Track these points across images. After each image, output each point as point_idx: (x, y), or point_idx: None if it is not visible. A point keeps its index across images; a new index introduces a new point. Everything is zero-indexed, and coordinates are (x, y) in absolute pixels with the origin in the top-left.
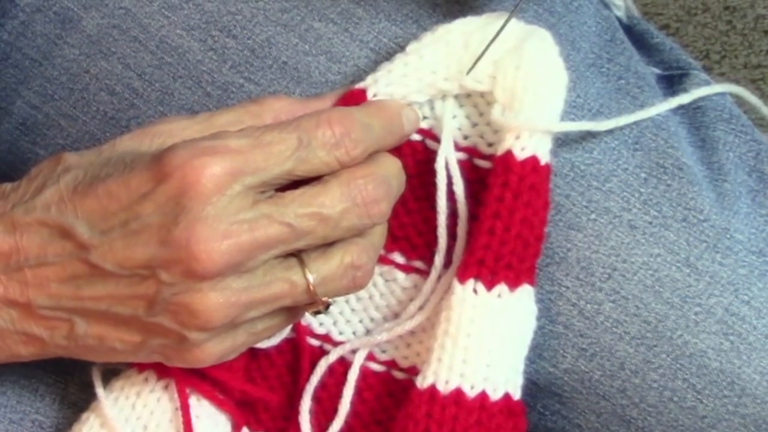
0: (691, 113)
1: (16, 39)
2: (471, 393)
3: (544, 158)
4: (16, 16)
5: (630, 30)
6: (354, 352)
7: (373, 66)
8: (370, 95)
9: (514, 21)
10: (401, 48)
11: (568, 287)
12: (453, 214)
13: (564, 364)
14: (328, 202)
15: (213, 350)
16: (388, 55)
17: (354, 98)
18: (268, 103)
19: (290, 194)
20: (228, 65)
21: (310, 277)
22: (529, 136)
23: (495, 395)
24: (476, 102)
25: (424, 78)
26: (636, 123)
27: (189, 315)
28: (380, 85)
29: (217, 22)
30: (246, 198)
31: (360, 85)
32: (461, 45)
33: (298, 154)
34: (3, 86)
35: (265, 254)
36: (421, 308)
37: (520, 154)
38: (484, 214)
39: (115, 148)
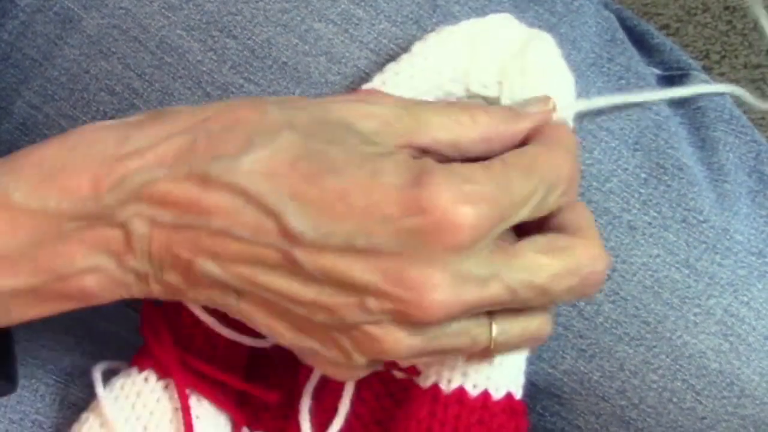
0: (691, 114)
1: (16, 39)
2: (473, 392)
3: None
4: (17, 17)
5: (630, 30)
6: None
7: (374, 67)
8: None
9: (515, 23)
10: (402, 49)
11: None
12: None
13: (563, 365)
14: (556, 277)
15: (360, 374)
16: (389, 57)
17: None
18: (478, 116)
19: (522, 251)
20: (228, 65)
21: (495, 336)
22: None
23: (497, 394)
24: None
25: (431, 79)
26: (636, 123)
27: (372, 347)
28: (389, 87)
29: (217, 23)
30: (486, 249)
31: (367, 87)
32: (466, 47)
33: (539, 204)
34: (3, 86)
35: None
36: None
37: None
38: None
39: (329, 114)
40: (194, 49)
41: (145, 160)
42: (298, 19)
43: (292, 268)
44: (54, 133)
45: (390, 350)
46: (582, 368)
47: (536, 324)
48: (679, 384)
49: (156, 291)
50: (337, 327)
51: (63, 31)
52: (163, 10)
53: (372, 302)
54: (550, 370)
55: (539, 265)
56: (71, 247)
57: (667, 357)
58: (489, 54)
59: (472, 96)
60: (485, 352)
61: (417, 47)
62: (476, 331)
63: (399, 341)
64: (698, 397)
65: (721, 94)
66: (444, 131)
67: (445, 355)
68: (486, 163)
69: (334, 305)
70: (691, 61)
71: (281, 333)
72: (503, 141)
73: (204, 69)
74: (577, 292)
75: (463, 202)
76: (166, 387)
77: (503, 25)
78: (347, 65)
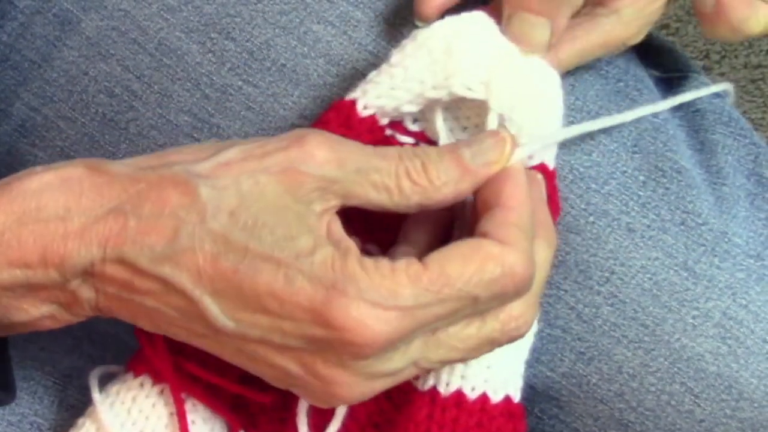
0: (690, 116)
1: (15, 41)
2: (472, 395)
3: (552, 164)
4: (15, 18)
5: None
6: None
7: (372, 69)
8: (360, 107)
9: (489, 20)
10: None
11: (566, 291)
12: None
13: (562, 368)
14: (474, 350)
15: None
16: (387, 59)
17: (343, 109)
18: (420, 182)
19: (445, 334)
20: (227, 67)
21: None
22: (532, 138)
23: (495, 397)
24: (466, 105)
25: (413, 89)
26: (635, 125)
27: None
28: (370, 97)
29: (216, 25)
30: (402, 347)
31: (349, 97)
32: (443, 51)
33: (468, 312)
34: (2, 88)
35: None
36: None
37: (528, 163)
38: None
39: (260, 196)
40: (193, 51)
41: (84, 241)
42: (297, 21)
43: (219, 343)
44: (53, 135)
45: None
46: (580, 371)
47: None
48: (677, 387)
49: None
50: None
51: (62, 32)
52: (162, 12)
53: (295, 380)
54: (548, 373)
55: (457, 342)
56: (23, 303)
57: (666, 360)
58: (469, 55)
59: (455, 100)
60: None
61: (396, 57)
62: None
63: (322, 404)
64: (696, 400)
65: (720, 97)
66: (377, 200)
67: None
68: (419, 271)
69: (261, 371)
70: (690, 63)
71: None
72: (445, 203)
73: (203, 71)
74: (496, 348)
75: (371, 322)
76: (162, 392)
77: (479, 24)
78: (346, 67)
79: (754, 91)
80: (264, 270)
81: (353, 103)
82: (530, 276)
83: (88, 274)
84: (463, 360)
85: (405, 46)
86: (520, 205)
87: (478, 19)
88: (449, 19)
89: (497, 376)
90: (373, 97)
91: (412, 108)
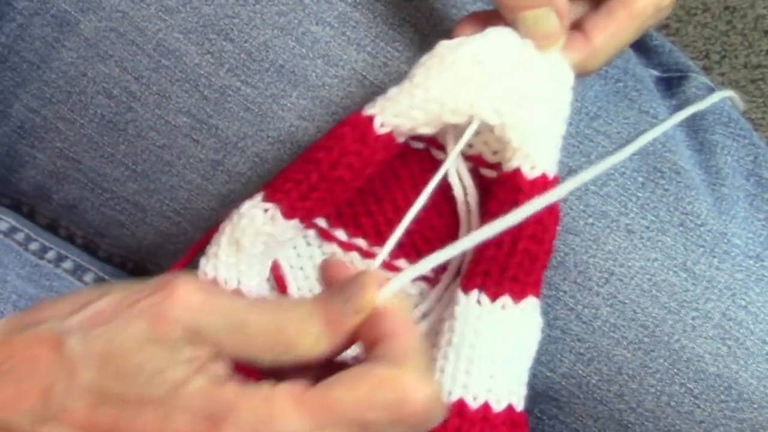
0: (690, 116)
1: (13, 42)
2: (474, 404)
3: (552, 173)
4: (14, 19)
5: None
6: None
7: (371, 69)
8: (377, 124)
9: (516, 38)
10: (399, 51)
11: (565, 291)
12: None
13: (561, 369)
14: None
15: None
16: (386, 59)
17: (360, 125)
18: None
19: None
20: (225, 68)
21: None
22: (540, 155)
23: (498, 407)
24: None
25: (432, 110)
26: (633, 127)
27: None
28: (387, 114)
29: (215, 26)
30: None
31: (367, 112)
32: (469, 75)
33: None
34: (1, 89)
35: None
36: (425, 315)
37: (530, 173)
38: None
39: (129, 337)
40: (191, 52)
41: None
42: (296, 21)
43: None
44: (52, 136)
45: None
46: (580, 372)
47: None
48: (677, 388)
49: None
50: None
51: (60, 34)
52: (160, 14)
53: None
54: (548, 374)
55: None
56: None
57: (665, 361)
58: (496, 80)
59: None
60: None
61: (419, 77)
62: None
63: None
64: (696, 401)
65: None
66: (256, 355)
67: None
68: (301, 394)
69: None
70: (689, 62)
71: None
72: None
73: (201, 72)
74: None
75: None
76: None
77: (506, 43)
78: (344, 68)
79: (754, 91)
80: (142, 413)
81: (370, 119)
82: (435, 399)
83: None
84: None
85: (430, 66)
86: (406, 331)
87: (506, 37)
88: (475, 39)
89: (500, 385)
90: (391, 115)
91: (428, 130)
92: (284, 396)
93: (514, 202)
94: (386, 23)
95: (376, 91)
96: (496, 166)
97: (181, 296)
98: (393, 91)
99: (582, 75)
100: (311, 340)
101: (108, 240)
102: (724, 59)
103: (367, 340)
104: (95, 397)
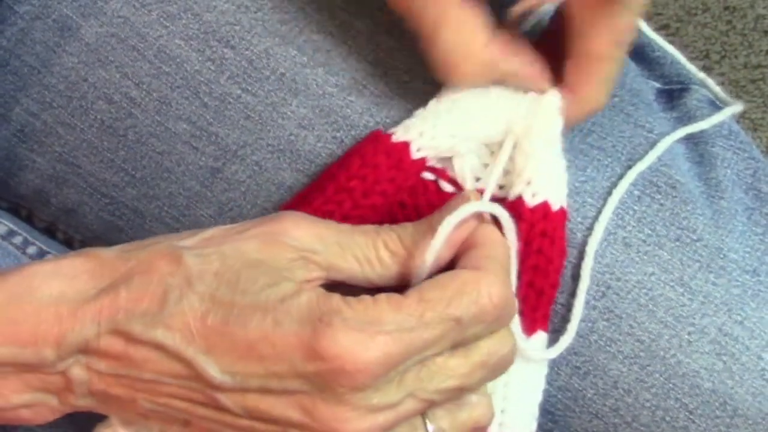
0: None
1: (14, 46)
2: None
3: (558, 204)
4: (15, 24)
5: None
6: None
7: (371, 79)
8: (413, 150)
9: None
10: (398, 61)
11: (562, 305)
12: None
13: (558, 382)
14: (468, 376)
15: None
16: (387, 68)
17: (396, 151)
18: (392, 252)
19: (435, 365)
20: (226, 76)
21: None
22: (540, 181)
23: None
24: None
25: (472, 131)
26: (629, 141)
27: None
28: (425, 139)
29: (216, 33)
30: (397, 376)
31: (401, 138)
32: (500, 95)
33: (454, 336)
34: (1, 93)
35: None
36: None
37: (531, 201)
38: None
39: (242, 255)
40: (192, 59)
41: (79, 319)
42: (297, 30)
43: (220, 407)
44: (52, 141)
45: None
46: (576, 385)
47: (473, 410)
48: (672, 403)
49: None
50: None
51: (61, 38)
52: (161, 20)
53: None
54: (544, 387)
55: (449, 370)
56: (6, 386)
57: (661, 376)
58: (521, 101)
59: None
60: None
61: (456, 98)
62: None
63: None
64: (691, 416)
65: (720, 109)
66: (357, 270)
67: None
68: (399, 298)
69: (273, 421)
70: (691, 74)
71: None
72: (426, 270)
73: (202, 79)
74: (491, 375)
75: (360, 347)
76: None
77: None
78: (345, 77)
79: (754, 91)
80: (252, 319)
81: (406, 145)
82: (508, 300)
83: (83, 351)
84: (463, 388)
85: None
86: (492, 242)
87: None
88: None
89: (512, 420)
90: (429, 139)
91: (463, 150)
92: (385, 301)
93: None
94: (387, 33)
95: (376, 100)
96: (502, 201)
97: (291, 226)
98: (429, 117)
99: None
100: (427, 251)
101: (106, 245)
102: (724, 59)
103: (456, 248)
104: (207, 303)
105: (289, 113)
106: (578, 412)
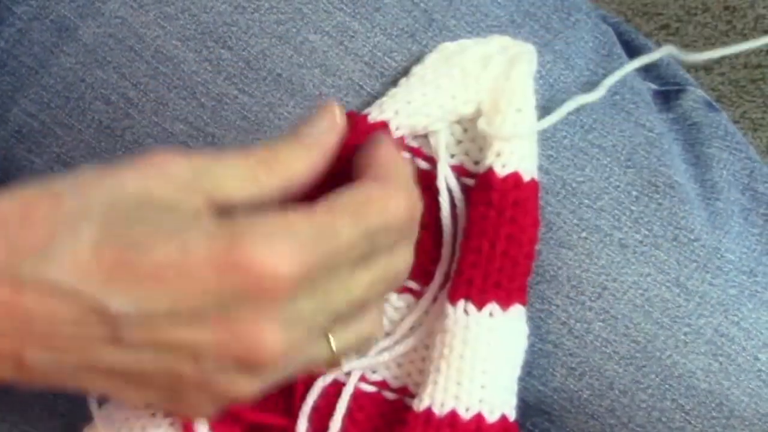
0: (687, 129)
1: (12, 47)
2: (466, 415)
3: (528, 175)
4: (13, 24)
5: (627, 44)
6: (348, 374)
7: (368, 80)
8: (393, 129)
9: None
10: (396, 62)
11: (558, 306)
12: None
13: (553, 383)
14: (371, 286)
15: (209, 415)
16: (384, 69)
17: (374, 131)
18: (274, 166)
19: (341, 277)
20: (222, 76)
21: (336, 349)
22: (510, 153)
23: (491, 417)
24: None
25: (445, 105)
26: (629, 140)
27: (218, 397)
28: (401, 117)
29: (213, 33)
30: (309, 290)
31: (378, 118)
32: (480, 66)
33: (363, 247)
34: None
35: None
36: (413, 328)
37: (501, 171)
38: (470, 233)
39: (124, 189)
40: (189, 60)
41: None
42: (294, 30)
43: (123, 344)
44: (49, 141)
45: (236, 398)
46: (572, 386)
47: (368, 325)
48: (668, 404)
49: None
50: (181, 385)
51: (59, 39)
52: (158, 20)
53: (209, 361)
54: (540, 388)
55: (354, 282)
56: None
57: (657, 376)
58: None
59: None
60: (332, 364)
61: (428, 75)
62: (316, 351)
63: (242, 388)
64: (687, 417)
65: (716, 111)
66: (240, 190)
67: (292, 378)
68: (309, 209)
69: (172, 369)
70: (687, 76)
71: (126, 398)
72: (310, 179)
73: (199, 79)
74: (388, 290)
75: (278, 257)
76: (172, 423)
77: (504, 49)
78: (342, 77)
79: (754, 91)
80: (155, 245)
81: (385, 124)
82: (414, 213)
83: None
84: (365, 302)
85: (437, 65)
86: (394, 158)
87: (503, 43)
88: (493, 38)
89: (492, 395)
90: (405, 117)
91: (440, 126)
92: (294, 212)
93: (488, 201)
94: (384, 33)
95: (372, 101)
96: (476, 176)
97: (165, 158)
98: (401, 95)
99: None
100: (300, 161)
101: None
102: (724, 59)
103: (359, 168)
104: (99, 237)
105: (285, 114)
106: (574, 413)
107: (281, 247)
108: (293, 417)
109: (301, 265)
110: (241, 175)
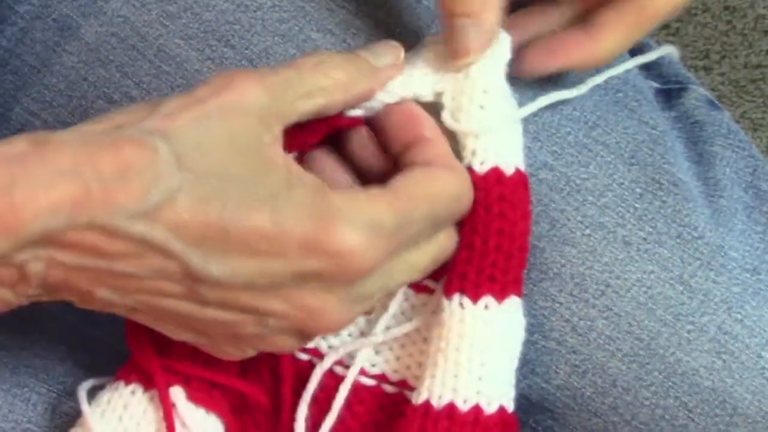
0: (689, 128)
1: (15, 46)
2: (464, 407)
3: (510, 167)
4: (15, 23)
5: None
6: (346, 367)
7: None
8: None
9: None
10: None
11: (561, 303)
12: None
13: (556, 380)
14: (433, 262)
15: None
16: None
17: (352, 123)
18: (337, 75)
19: (403, 259)
20: None
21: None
22: (484, 149)
23: (489, 408)
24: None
25: (423, 77)
26: (632, 137)
27: (265, 347)
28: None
29: (215, 32)
30: (378, 271)
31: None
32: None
33: (428, 233)
34: (1, 93)
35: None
36: (411, 320)
37: (480, 169)
38: (462, 231)
39: (211, 133)
40: (192, 58)
41: (38, 207)
42: (297, 29)
43: (195, 298)
44: None
45: (278, 350)
46: (575, 384)
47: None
48: (671, 401)
49: (45, 298)
50: (233, 338)
51: (61, 38)
52: (161, 19)
53: (272, 321)
54: (543, 385)
55: (412, 264)
56: None
57: (660, 374)
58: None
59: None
60: None
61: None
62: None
63: (289, 346)
64: (690, 415)
65: (719, 110)
66: (312, 105)
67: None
68: (391, 196)
69: (233, 322)
70: (689, 75)
71: (172, 333)
72: (363, 97)
73: (201, 78)
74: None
75: (364, 248)
76: (152, 399)
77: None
78: None
79: (754, 91)
80: (247, 212)
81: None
82: (471, 191)
83: (45, 243)
84: (412, 280)
85: (415, 51)
86: (437, 136)
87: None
88: None
89: (490, 387)
90: (398, 87)
91: (425, 100)
92: (378, 198)
93: (474, 199)
94: (387, 31)
95: None
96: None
97: (243, 88)
98: None
99: (580, 71)
100: (364, 81)
101: None
102: (724, 59)
103: (402, 138)
104: (195, 195)
105: None
106: (577, 411)
107: (368, 238)
108: (285, 408)
109: (382, 255)
110: (308, 91)
